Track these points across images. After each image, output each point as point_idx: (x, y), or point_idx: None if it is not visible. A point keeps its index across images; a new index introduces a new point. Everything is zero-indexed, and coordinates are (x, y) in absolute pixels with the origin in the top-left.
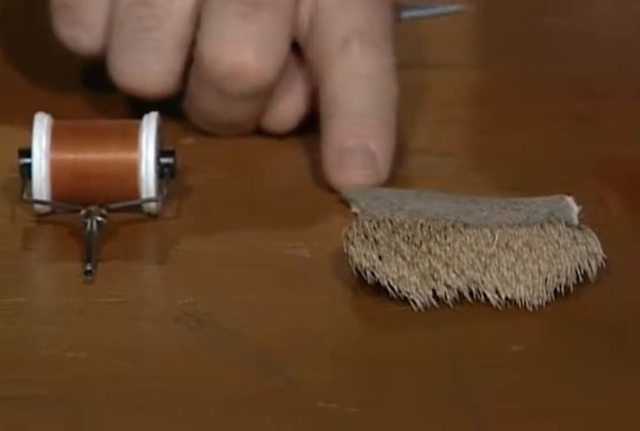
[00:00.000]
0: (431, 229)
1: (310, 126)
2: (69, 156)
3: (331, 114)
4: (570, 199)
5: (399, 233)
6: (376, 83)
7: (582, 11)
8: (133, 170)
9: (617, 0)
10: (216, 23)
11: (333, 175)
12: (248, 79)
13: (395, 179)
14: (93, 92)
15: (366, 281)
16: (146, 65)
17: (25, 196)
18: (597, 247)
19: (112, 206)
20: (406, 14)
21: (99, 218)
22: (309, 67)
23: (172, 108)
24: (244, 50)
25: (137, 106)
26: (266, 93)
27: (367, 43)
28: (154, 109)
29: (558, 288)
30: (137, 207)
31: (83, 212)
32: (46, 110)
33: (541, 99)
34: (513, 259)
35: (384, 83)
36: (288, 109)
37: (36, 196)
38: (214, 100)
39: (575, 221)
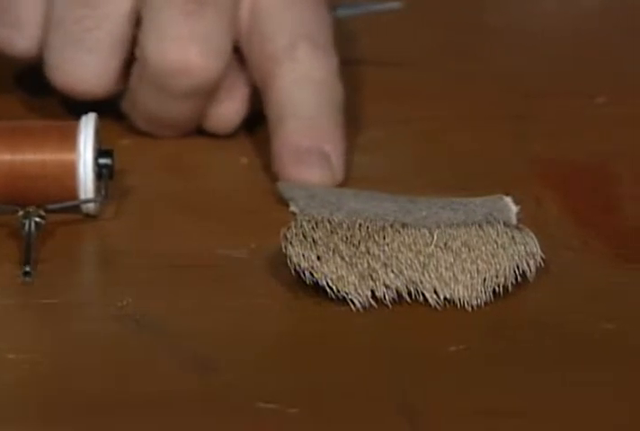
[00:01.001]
0: (370, 229)
1: (249, 126)
2: (6, 157)
3: (282, 117)
4: (508, 199)
5: (337, 234)
6: (324, 85)
7: (523, 9)
8: (71, 170)
9: (562, 1)
10: (159, 21)
11: (289, 174)
12: (192, 77)
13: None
14: (28, 93)
15: (304, 281)
16: (85, 66)
17: None
18: (535, 247)
19: (50, 206)
20: (342, 12)
21: (37, 219)
22: (251, 69)
23: (110, 108)
24: (188, 48)
25: (75, 108)
26: (209, 92)
27: (313, 46)
28: (91, 110)
29: (497, 288)
30: (76, 208)
31: (20, 213)
32: None
33: (480, 98)
34: (452, 259)
35: (332, 86)
36: (229, 110)
37: None
38: (156, 98)
39: (514, 221)
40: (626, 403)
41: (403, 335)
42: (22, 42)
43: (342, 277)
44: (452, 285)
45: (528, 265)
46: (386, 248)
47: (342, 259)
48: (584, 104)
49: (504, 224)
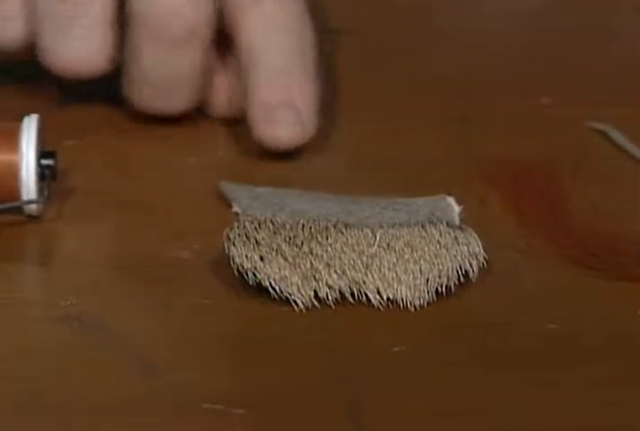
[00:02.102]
0: (313, 229)
1: (196, 127)
2: None
3: (250, 67)
4: (451, 199)
5: (281, 234)
6: (292, 32)
7: (468, 10)
8: (13, 171)
9: (505, 1)
10: None
11: (261, 131)
12: (184, 18)
13: (276, 179)
14: None
15: (247, 282)
16: (79, 49)
17: None
18: (478, 247)
19: None
20: None
21: None
22: (222, 19)
23: (108, 91)
24: None
25: (74, 91)
26: (204, 39)
27: None
28: (90, 94)
29: (440, 288)
30: (18, 209)
31: None
32: None
33: (424, 98)
34: (395, 260)
35: (300, 31)
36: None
37: None
38: (156, 54)
39: (456, 221)
40: (571, 403)
41: (346, 335)
42: (9, 32)
43: (285, 277)
44: (395, 286)
45: (470, 265)
46: (329, 248)
47: (285, 259)
48: (529, 105)
49: (447, 224)
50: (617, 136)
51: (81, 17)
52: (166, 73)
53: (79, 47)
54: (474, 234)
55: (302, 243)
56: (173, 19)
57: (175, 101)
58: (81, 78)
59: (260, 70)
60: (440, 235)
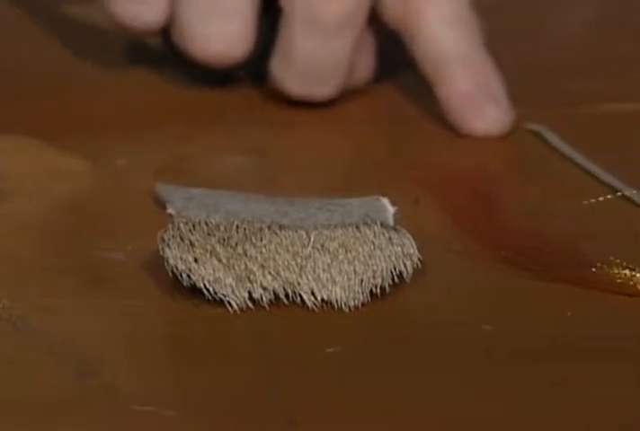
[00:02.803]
0: (247, 231)
1: (126, 129)
2: None
3: (442, 61)
4: (385, 200)
5: (215, 236)
6: (468, 23)
7: None
8: None
9: None
10: None
11: (469, 123)
12: (344, 4)
13: (210, 180)
14: None
15: (182, 283)
16: (226, 33)
17: None
18: (412, 248)
19: None
20: None
21: None
22: (387, 12)
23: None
24: None
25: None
26: (359, 23)
27: None
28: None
29: (374, 289)
30: None
31: None
32: None
33: (355, 100)
34: (329, 261)
35: (474, 22)
36: (368, 62)
37: None
38: (312, 38)
39: (391, 222)
40: (503, 404)
41: (280, 336)
42: (152, 16)
43: (220, 278)
44: (329, 287)
45: (405, 266)
46: (263, 250)
47: (220, 261)
48: None
49: (381, 225)
50: (551, 136)
51: None
52: (320, 59)
53: (227, 30)
54: (408, 235)
55: (236, 245)
56: (332, 4)
57: (325, 86)
58: (222, 64)
59: (452, 63)
60: (375, 236)
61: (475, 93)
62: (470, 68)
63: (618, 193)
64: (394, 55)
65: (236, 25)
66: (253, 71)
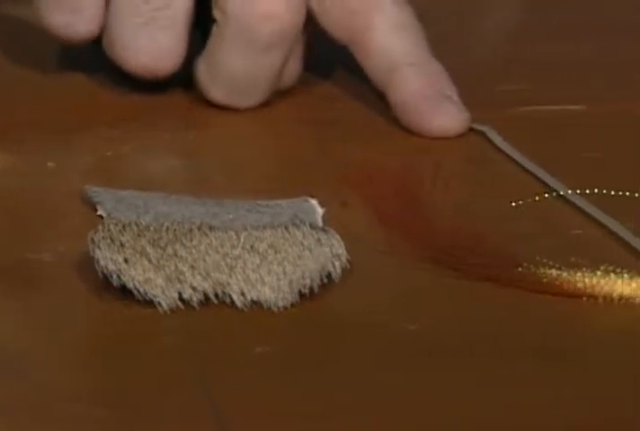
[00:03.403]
0: (177, 232)
1: (52, 131)
2: None
3: (392, 67)
4: (314, 202)
5: (145, 236)
6: (416, 30)
7: None
8: None
9: None
10: None
11: (427, 123)
12: (278, 21)
13: (140, 182)
14: None
15: (112, 284)
16: (160, 44)
17: None
18: (340, 248)
19: None
20: None
21: None
22: (332, 24)
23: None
24: None
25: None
26: (292, 41)
27: None
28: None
29: (303, 289)
30: None
31: None
32: None
33: (284, 101)
34: (258, 261)
35: (420, 29)
36: (295, 67)
37: None
38: (242, 54)
39: (319, 223)
40: (430, 402)
41: (210, 336)
42: (84, 26)
43: (150, 279)
44: (259, 287)
45: (333, 266)
46: (193, 250)
47: (150, 261)
48: (385, 107)
49: (310, 226)
50: (495, 137)
51: (162, 8)
52: (248, 72)
53: (160, 42)
54: (336, 236)
55: (166, 245)
56: (268, 22)
57: (252, 97)
58: (152, 76)
59: (404, 67)
60: (304, 237)
61: (430, 93)
62: (422, 71)
63: (553, 193)
64: (321, 55)
65: (168, 38)
66: (182, 74)
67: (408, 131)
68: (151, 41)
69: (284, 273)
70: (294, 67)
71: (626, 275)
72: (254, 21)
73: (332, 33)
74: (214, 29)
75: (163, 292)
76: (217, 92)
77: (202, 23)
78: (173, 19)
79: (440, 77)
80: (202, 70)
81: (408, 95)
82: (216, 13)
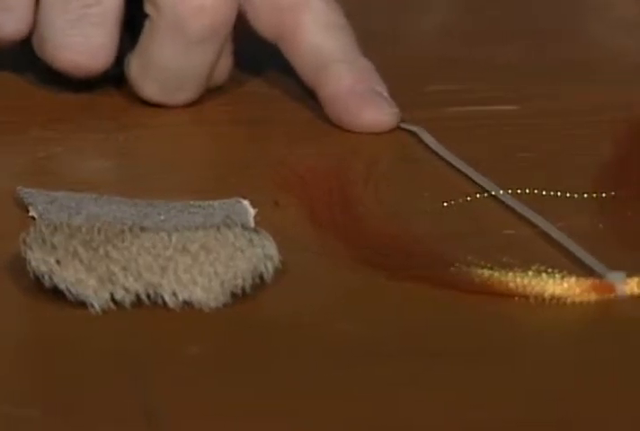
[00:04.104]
0: (109, 233)
1: None
2: None
3: (322, 64)
4: (246, 202)
5: (77, 238)
6: (345, 28)
7: None
8: None
9: None
10: None
11: (358, 118)
12: (210, 15)
13: (72, 183)
14: None
15: (44, 285)
16: (91, 42)
17: None
18: (273, 249)
19: None
20: None
21: None
22: (260, 22)
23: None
24: None
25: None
26: (224, 36)
27: None
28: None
29: (235, 290)
30: None
31: None
32: None
33: (216, 100)
34: (190, 262)
35: (349, 28)
36: (226, 64)
37: None
38: (173, 49)
39: (251, 224)
40: (365, 403)
41: (142, 337)
42: (13, 26)
43: (82, 280)
44: (191, 288)
45: (265, 267)
46: (125, 251)
47: (82, 262)
48: (317, 107)
49: (242, 226)
50: (426, 137)
51: (94, 6)
52: (180, 68)
53: (92, 39)
54: (268, 237)
55: (98, 247)
56: (200, 15)
57: (184, 94)
58: (83, 74)
59: (334, 63)
60: (236, 238)
61: (360, 89)
62: (351, 68)
63: (485, 194)
64: (251, 54)
65: (99, 35)
66: (115, 74)
67: (341, 130)
68: (82, 38)
69: (216, 274)
70: (225, 64)
71: (557, 275)
72: (187, 15)
73: (261, 31)
74: (146, 24)
75: (95, 293)
76: (149, 89)
77: (132, 22)
78: (103, 16)
79: (370, 74)
80: (135, 67)
81: (338, 91)
82: (148, 8)
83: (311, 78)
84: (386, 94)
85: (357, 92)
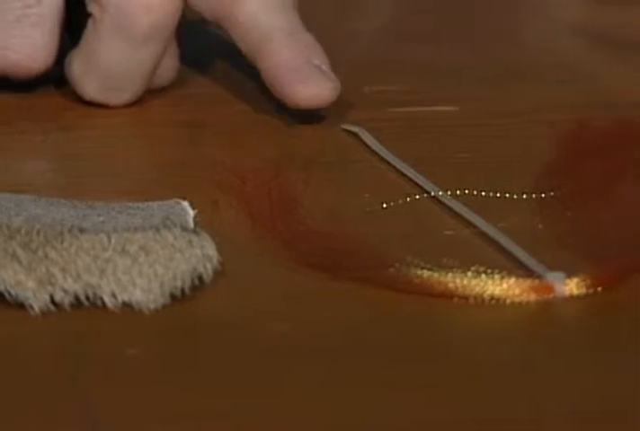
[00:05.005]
0: (48, 234)
1: None
2: None
3: (263, 39)
4: (185, 204)
5: (16, 239)
6: (287, 7)
7: None
8: None
9: None
10: None
11: (295, 92)
12: (154, 14)
13: (11, 184)
14: None
15: None
16: (33, 40)
17: None
18: (212, 250)
19: None
20: None
21: None
22: (201, 2)
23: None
24: None
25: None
26: (168, 35)
27: None
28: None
29: (174, 291)
30: None
31: None
32: None
33: (158, 103)
34: (129, 263)
35: (292, 7)
36: (170, 65)
37: None
38: (117, 47)
39: (191, 225)
40: (302, 403)
41: (81, 339)
42: None
43: (21, 282)
44: (130, 289)
45: (205, 268)
46: (64, 253)
47: (21, 264)
48: (259, 109)
49: (181, 228)
50: (367, 138)
51: (34, 6)
52: (123, 67)
53: (33, 40)
54: (208, 238)
55: (37, 248)
56: (145, 13)
57: (126, 93)
58: (23, 75)
59: (273, 40)
60: (175, 239)
61: (300, 62)
62: (294, 41)
63: (425, 194)
64: (195, 56)
65: (40, 35)
66: (56, 74)
67: (281, 131)
68: (23, 39)
69: (155, 275)
70: (170, 65)
71: (496, 275)
72: (132, 14)
73: (202, 12)
74: (89, 23)
75: (34, 294)
76: (91, 89)
77: (72, 23)
78: (43, 16)
79: (310, 47)
80: (77, 66)
81: (277, 65)
82: (92, 7)
83: (251, 51)
84: (325, 68)
85: (295, 66)
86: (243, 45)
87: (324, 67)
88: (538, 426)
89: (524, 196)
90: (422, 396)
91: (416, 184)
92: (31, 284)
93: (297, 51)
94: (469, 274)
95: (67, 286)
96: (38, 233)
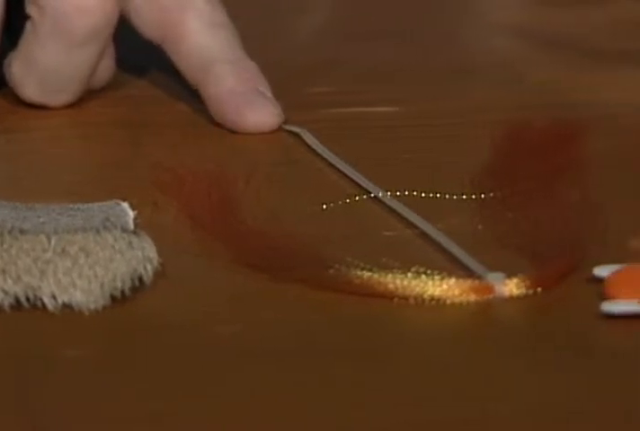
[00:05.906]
0: None
1: None
2: None
3: (206, 64)
4: (125, 205)
5: None
6: (229, 28)
7: None
8: None
9: None
10: None
11: (241, 118)
12: (92, 15)
13: None
14: None
15: None
16: None
17: None
18: (152, 251)
19: None
20: None
21: None
22: (144, 22)
23: None
24: None
25: None
26: (106, 36)
27: None
28: None
29: (115, 292)
30: None
31: None
32: None
33: (97, 103)
34: (69, 265)
35: (233, 28)
36: (107, 66)
37: None
38: (55, 49)
39: (131, 226)
40: (244, 404)
41: (21, 340)
42: None
43: None
44: (70, 291)
45: (145, 269)
46: (4, 254)
47: None
48: (199, 109)
49: (122, 229)
50: (309, 138)
51: None
52: (62, 69)
53: None
54: (148, 239)
55: None
56: (83, 16)
57: (65, 95)
58: None
59: (218, 64)
60: (115, 240)
61: (244, 89)
62: (236, 68)
63: (366, 195)
64: (134, 57)
65: None
66: None
67: (222, 132)
68: None
69: (95, 276)
70: (107, 66)
71: (436, 276)
72: (70, 15)
73: (144, 32)
74: (27, 25)
75: None
76: (30, 90)
77: (10, 25)
78: None
79: (254, 74)
80: (16, 68)
81: (222, 92)
82: (30, 9)
83: (195, 78)
84: (269, 95)
85: (240, 93)
86: (184, 71)
87: (267, 94)
88: (485, 426)
89: (464, 196)
90: (372, 398)
91: (357, 184)
92: None
93: (241, 79)
94: (409, 275)
95: (7, 288)
96: None
